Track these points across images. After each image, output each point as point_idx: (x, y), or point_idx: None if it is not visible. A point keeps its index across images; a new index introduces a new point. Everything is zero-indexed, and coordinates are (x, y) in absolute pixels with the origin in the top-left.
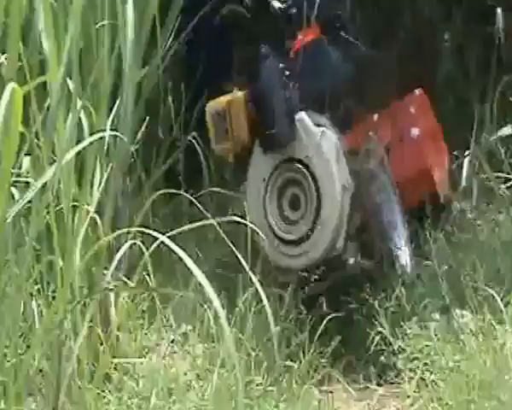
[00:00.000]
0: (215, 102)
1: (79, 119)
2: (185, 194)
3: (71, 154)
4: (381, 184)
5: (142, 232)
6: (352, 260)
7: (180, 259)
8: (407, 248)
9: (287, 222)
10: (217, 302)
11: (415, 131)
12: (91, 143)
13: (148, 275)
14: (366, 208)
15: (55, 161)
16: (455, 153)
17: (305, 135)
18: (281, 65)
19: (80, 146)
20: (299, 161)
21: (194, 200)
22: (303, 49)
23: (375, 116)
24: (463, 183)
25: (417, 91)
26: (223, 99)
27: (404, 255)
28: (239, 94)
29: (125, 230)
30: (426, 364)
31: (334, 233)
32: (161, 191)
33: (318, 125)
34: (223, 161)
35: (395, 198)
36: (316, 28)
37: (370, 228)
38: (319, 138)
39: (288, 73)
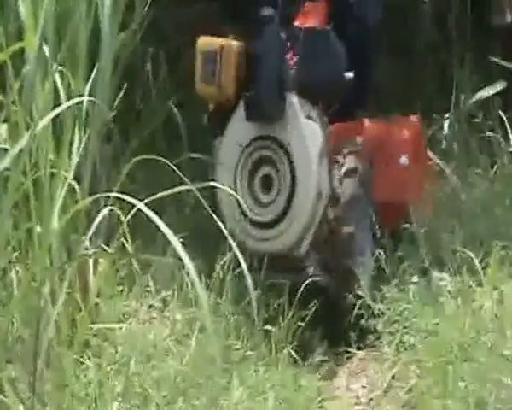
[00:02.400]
0: (208, 41)
1: (56, 85)
2: (163, 159)
3: (47, 119)
4: (358, 199)
5: (120, 199)
6: (311, 270)
7: (156, 226)
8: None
9: (256, 202)
10: (192, 268)
11: (404, 160)
12: (68, 109)
13: (127, 241)
14: (338, 218)
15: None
16: (435, 116)
17: (292, 121)
18: (283, 34)
19: (56, 111)
20: (281, 146)
21: (172, 166)
22: (306, 34)
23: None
24: (443, 145)
25: (413, 117)
26: (217, 40)
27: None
28: (234, 43)
29: (103, 195)
30: (405, 327)
31: (303, 231)
32: (139, 157)
33: (308, 117)
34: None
35: (369, 214)
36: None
37: (335, 240)
38: (305, 132)
39: (289, 45)
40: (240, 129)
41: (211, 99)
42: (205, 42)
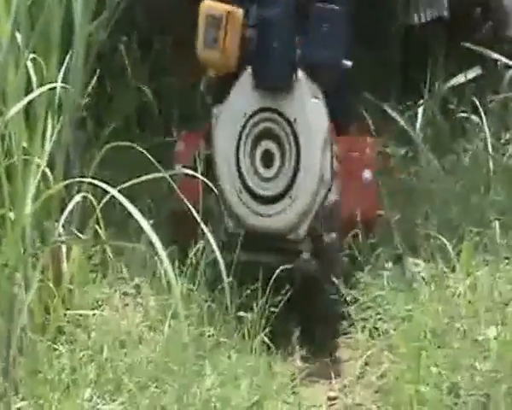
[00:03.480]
0: (213, 6)
1: (29, 72)
2: (137, 146)
3: (19, 105)
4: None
5: (93, 185)
6: (306, 256)
7: (129, 212)
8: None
9: (257, 176)
10: (164, 255)
11: (368, 175)
12: (41, 96)
13: (100, 228)
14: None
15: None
16: (409, 103)
17: (300, 98)
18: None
19: (29, 97)
20: (287, 121)
21: (145, 152)
22: (318, 12)
23: None
24: (417, 132)
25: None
26: (222, 6)
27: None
28: (240, 11)
29: (76, 180)
30: (378, 313)
31: (303, 212)
32: (113, 144)
33: (315, 97)
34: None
35: None
36: None
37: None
38: (313, 112)
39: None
40: (244, 98)
41: (212, 65)
42: (210, 6)
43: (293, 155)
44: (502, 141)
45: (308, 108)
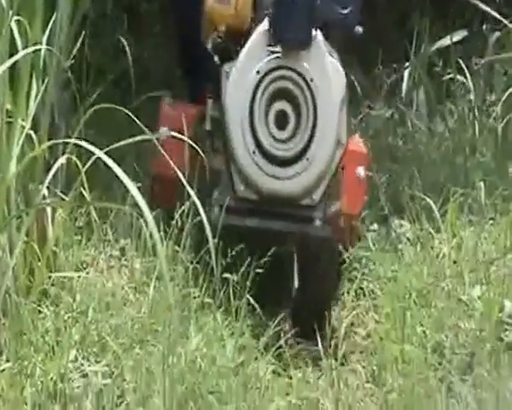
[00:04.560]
0: None
1: (13, 33)
2: (122, 108)
3: (3, 67)
4: None
5: (79, 147)
6: (317, 223)
7: (115, 173)
8: None
9: (272, 137)
10: (150, 217)
11: (361, 171)
12: (25, 58)
13: (85, 190)
14: None
15: None
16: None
17: (317, 57)
18: None
19: (13, 59)
20: (304, 80)
21: (130, 114)
22: None
23: None
24: (403, 94)
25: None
26: None
27: None
28: None
29: (60, 141)
30: (364, 274)
31: (319, 176)
32: (98, 106)
33: (332, 57)
34: None
35: None
36: None
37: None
38: (331, 72)
39: None
40: (257, 55)
41: (222, 20)
42: None
43: (311, 116)
44: (487, 103)
45: (326, 67)
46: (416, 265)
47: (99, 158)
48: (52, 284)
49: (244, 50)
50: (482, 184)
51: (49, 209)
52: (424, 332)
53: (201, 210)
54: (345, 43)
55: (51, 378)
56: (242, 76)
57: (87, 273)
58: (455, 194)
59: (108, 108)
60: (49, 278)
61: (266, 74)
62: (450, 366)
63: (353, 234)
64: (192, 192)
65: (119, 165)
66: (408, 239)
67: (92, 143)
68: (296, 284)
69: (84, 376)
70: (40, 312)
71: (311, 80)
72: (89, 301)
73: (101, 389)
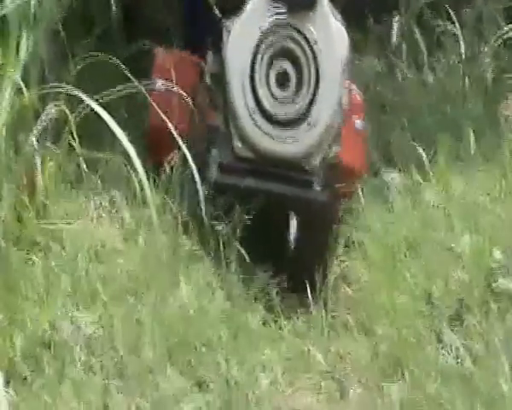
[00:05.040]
0: None
1: None
2: (113, 59)
3: None
4: None
5: (69, 96)
6: (316, 187)
7: (106, 122)
8: None
9: (273, 97)
10: (139, 166)
11: (359, 123)
12: (15, 8)
13: (74, 140)
14: None
15: None
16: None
17: (322, 17)
18: None
19: (3, 11)
20: (307, 41)
21: (121, 64)
22: None
23: None
24: (393, 44)
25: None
26: None
27: None
28: None
29: (51, 90)
30: (354, 225)
31: (319, 139)
32: (89, 56)
33: (336, 19)
34: None
35: None
36: None
37: None
38: (335, 34)
39: None
40: (260, 12)
41: None
42: None
43: (312, 78)
44: (476, 52)
45: (330, 29)
46: (406, 215)
47: (89, 110)
48: (41, 234)
49: (248, 6)
50: (472, 132)
51: (38, 159)
52: (414, 282)
53: (190, 159)
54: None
55: (41, 325)
56: (245, 32)
57: (76, 224)
58: (444, 143)
59: (99, 61)
60: (39, 227)
61: (269, 32)
62: (440, 315)
63: (352, 188)
64: (180, 141)
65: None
66: (398, 190)
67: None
68: (292, 244)
69: (74, 324)
70: (29, 260)
71: (315, 42)
72: (78, 250)
73: (91, 336)
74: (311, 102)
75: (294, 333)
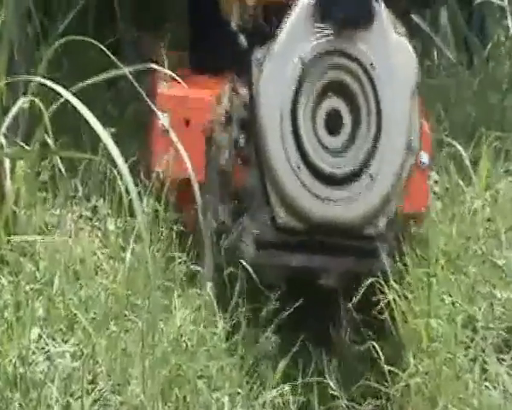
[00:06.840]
0: None
1: None
2: (93, 41)
3: None
4: None
5: (43, 86)
6: (384, 257)
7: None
8: None
9: (323, 147)
10: (126, 170)
11: (425, 158)
12: None
13: (49, 137)
14: None
15: None
16: None
17: (379, 34)
18: None
19: None
20: (363, 67)
21: (102, 47)
22: None
23: None
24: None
25: None
26: None
27: None
28: None
29: (21, 79)
30: None
31: (386, 196)
32: (65, 39)
33: (397, 33)
34: None
35: None
36: None
37: None
38: (397, 53)
39: None
40: (300, 36)
41: None
42: None
43: (372, 117)
44: None
45: (391, 48)
46: (444, 223)
47: (66, 101)
48: (11, 250)
49: (282, 31)
50: None
51: (7, 161)
52: (453, 303)
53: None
54: None
55: (10, 361)
56: (280, 66)
57: (52, 237)
58: (488, 138)
59: (79, 44)
60: (8, 242)
61: (313, 62)
62: (485, 344)
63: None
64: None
65: (90, 108)
66: (434, 193)
67: (58, 84)
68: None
69: (49, 358)
70: None
71: (372, 67)
72: (54, 269)
73: (70, 373)
74: (373, 149)
75: (311, 366)
